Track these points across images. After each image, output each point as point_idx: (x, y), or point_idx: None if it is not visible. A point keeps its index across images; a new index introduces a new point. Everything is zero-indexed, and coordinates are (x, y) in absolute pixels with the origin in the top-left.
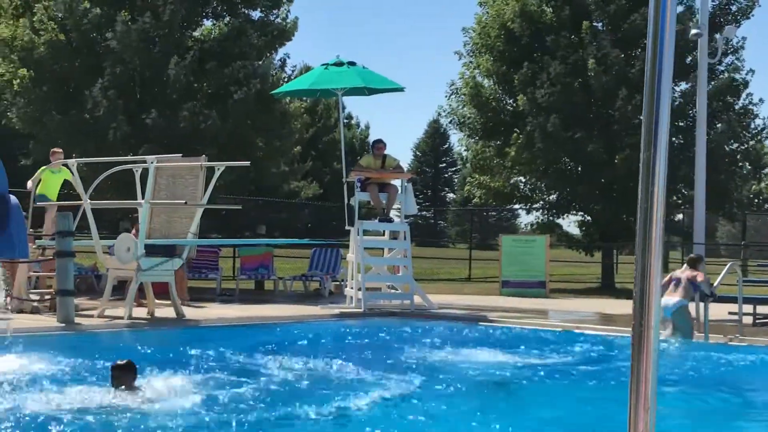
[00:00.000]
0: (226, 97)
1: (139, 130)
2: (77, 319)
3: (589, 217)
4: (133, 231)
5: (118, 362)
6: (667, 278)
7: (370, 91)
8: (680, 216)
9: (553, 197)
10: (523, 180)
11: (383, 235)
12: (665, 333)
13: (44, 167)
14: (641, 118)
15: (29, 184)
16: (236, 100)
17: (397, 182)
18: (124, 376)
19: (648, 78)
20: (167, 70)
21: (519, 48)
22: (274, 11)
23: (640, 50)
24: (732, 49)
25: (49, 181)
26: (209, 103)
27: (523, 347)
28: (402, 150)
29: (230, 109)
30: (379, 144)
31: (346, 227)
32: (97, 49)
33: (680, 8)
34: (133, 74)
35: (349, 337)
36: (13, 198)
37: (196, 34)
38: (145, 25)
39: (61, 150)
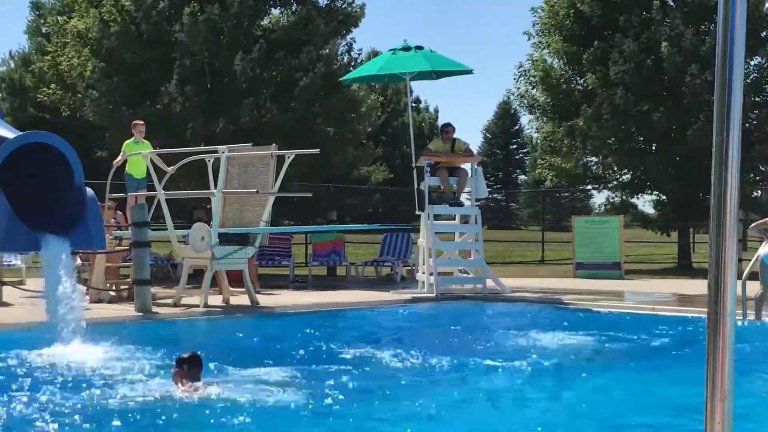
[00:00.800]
0: (293, 85)
1: (212, 128)
2: (154, 308)
3: (663, 196)
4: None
5: (183, 355)
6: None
7: (438, 75)
8: (758, 193)
9: (626, 177)
10: (594, 159)
11: (454, 219)
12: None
13: (127, 141)
14: (713, 98)
15: (116, 162)
16: (301, 86)
17: (467, 166)
18: (192, 369)
19: (719, 60)
20: (233, 65)
21: (589, 27)
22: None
23: (712, 25)
24: None
25: (134, 156)
26: (275, 93)
27: (603, 329)
28: (472, 132)
29: (295, 97)
30: (448, 128)
31: (417, 212)
32: (167, 39)
33: None
34: (203, 67)
35: (431, 322)
36: (89, 190)
37: (264, 22)
38: (213, 16)
39: (142, 121)
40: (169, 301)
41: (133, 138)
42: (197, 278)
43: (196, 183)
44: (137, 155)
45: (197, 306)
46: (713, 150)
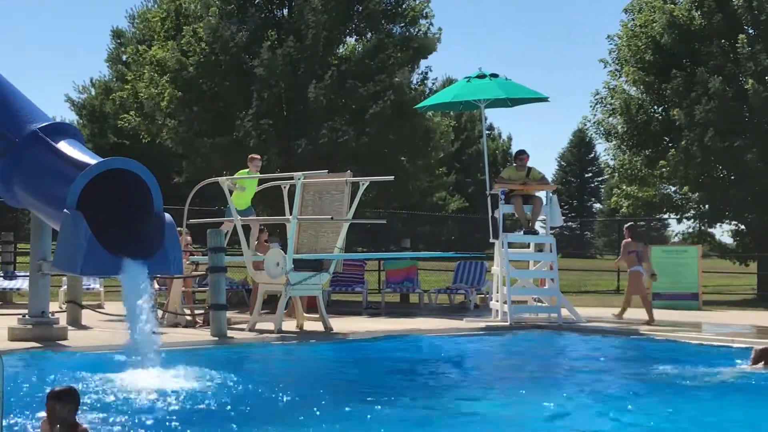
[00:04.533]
0: (365, 113)
1: (288, 155)
2: (229, 333)
3: (743, 226)
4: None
5: (56, 389)
6: None
7: (513, 102)
8: None
9: (705, 206)
10: (673, 189)
11: (528, 247)
12: None
13: (241, 171)
14: None
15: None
16: (371, 114)
17: (541, 194)
18: (61, 406)
19: None
20: (308, 94)
21: (668, 57)
22: (416, 26)
23: None
24: None
25: (248, 186)
26: (349, 120)
27: (684, 361)
28: (546, 160)
29: (367, 122)
30: (522, 155)
31: (491, 240)
32: (245, 69)
33: None
34: (280, 98)
35: (510, 352)
36: (167, 216)
37: (340, 51)
38: (289, 48)
39: (259, 156)
40: (244, 326)
41: (248, 170)
42: (272, 304)
43: (271, 210)
44: (250, 190)
45: (272, 331)
46: None
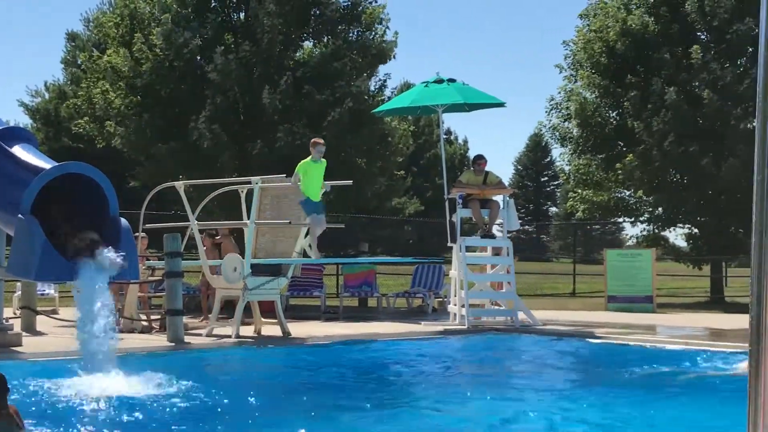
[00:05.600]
0: (323, 118)
1: (243, 158)
2: (186, 338)
3: (696, 230)
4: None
5: None
6: None
7: (471, 107)
8: None
9: (659, 210)
10: (628, 193)
11: (486, 251)
12: None
13: (302, 162)
14: (751, 126)
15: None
16: (329, 121)
17: (499, 198)
18: None
19: (761, 95)
20: (262, 99)
21: (623, 61)
22: (373, 31)
23: (746, 60)
24: None
25: (311, 172)
26: (307, 124)
27: (636, 363)
28: (502, 164)
29: (325, 128)
30: (480, 160)
31: (449, 244)
32: (200, 73)
33: None
34: (235, 102)
35: (468, 355)
36: (123, 220)
37: (297, 55)
38: (245, 52)
39: (322, 140)
40: (202, 331)
41: (310, 157)
42: (229, 309)
43: (228, 214)
44: (314, 176)
45: (229, 336)
46: (754, 185)
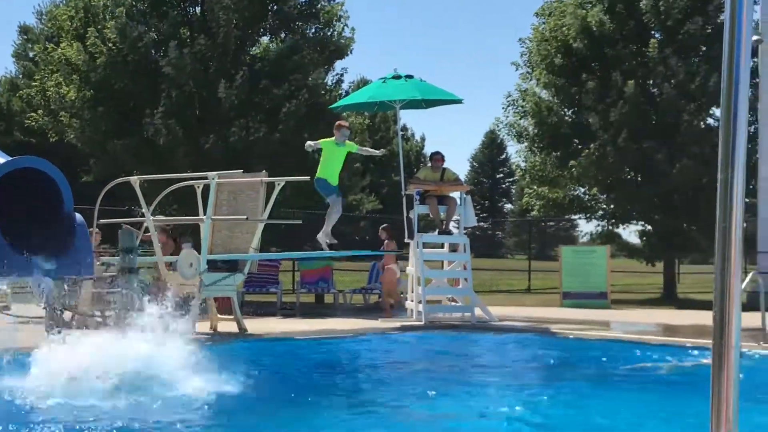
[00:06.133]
0: (279, 111)
1: (199, 153)
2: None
3: (649, 227)
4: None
5: None
6: None
7: (428, 104)
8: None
9: (613, 206)
10: (583, 190)
11: (443, 247)
12: None
13: (326, 139)
14: (704, 125)
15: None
16: (285, 113)
17: (455, 194)
18: None
19: (724, 94)
20: (218, 93)
21: (579, 60)
22: (331, 27)
23: (698, 60)
24: None
25: (331, 154)
26: (264, 119)
27: (592, 357)
28: (458, 161)
29: (281, 121)
30: (437, 156)
31: (406, 240)
32: (155, 68)
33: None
34: (191, 97)
35: (425, 351)
36: (78, 216)
37: (253, 51)
38: (200, 46)
39: (347, 123)
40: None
41: (333, 138)
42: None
43: (183, 210)
44: (335, 159)
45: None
46: (718, 185)
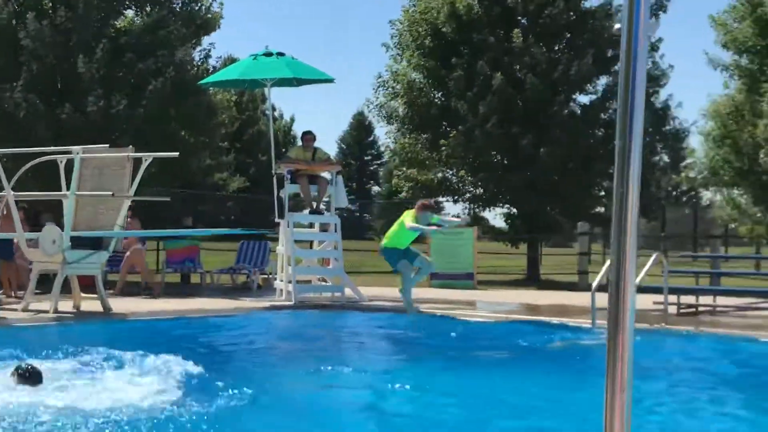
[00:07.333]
0: (144, 87)
1: (60, 126)
2: (1, 313)
3: (514, 210)
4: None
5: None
6: None
7: (299, 82)
8: (602, 209)
9: (480, 190)
10: (450, 172)
11: (313, 227)
12: None
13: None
14: (567, 111)
15: None
16: (150, 90)
17: (326, 174)
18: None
19: (623, 63)
20: (78, 67)
21: (447, 43)
22: (198, 1)
23: (561, 45)
24: (650, 47)
25: (408, 233)
26: (128, 94)
27: (459, 336)
28: (326, 143)
29: (147, 98)
30: (308, 135)
31: (276, 219)
32: (14, 42)
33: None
34: (52, 70)
35: (295, 330)
36: None
37: (117, 24)
38: (60, 19)
39: (431, 202)
40: (17, 306)
41: (414, 214)
42: (47, 283)
43: (44, 185)
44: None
45: (47, 311)
46: (615, 154)
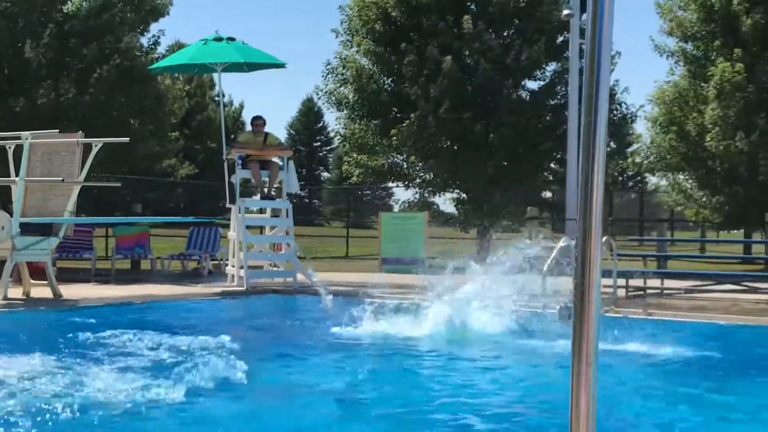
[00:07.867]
0: (91, 73)
1: (9, 115)
2: None
3: (465, 195)
4: None
5: None
6: None
7: (250, 67)
8: (549, 194)
9: (429, 175)
10: (401, 158)
11: (265, 212)
12: None
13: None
14: (516, 96)
15: None
16: (96, 77)
17: (278, 159)
18: None
19: (588, 40)
20: (25, 53)
21: (397, 28)
22: None
23: (511, 32)
24: None
25: None
26: (74, 80)
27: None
28: (276, 129)
29: (93, 85)
30: (258, 120)
31: (227, 205)
32: None
33: None
34: None
35: (238, 314)
36: None
37: (65, 8)
38: (6, 4)
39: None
40: None
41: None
42: None
43: None
44: None
45: None
46: (581, 130)
